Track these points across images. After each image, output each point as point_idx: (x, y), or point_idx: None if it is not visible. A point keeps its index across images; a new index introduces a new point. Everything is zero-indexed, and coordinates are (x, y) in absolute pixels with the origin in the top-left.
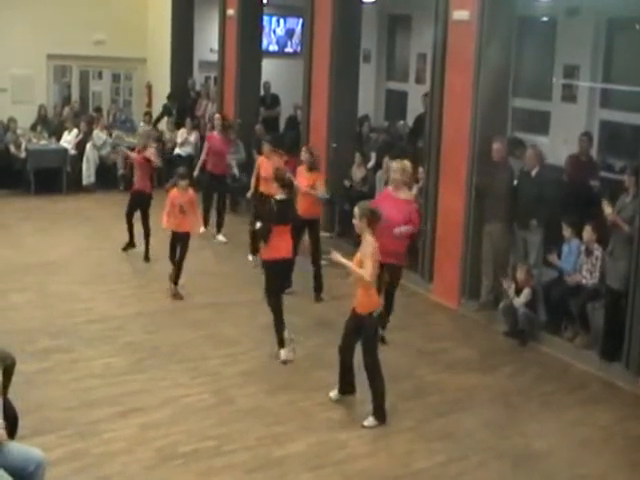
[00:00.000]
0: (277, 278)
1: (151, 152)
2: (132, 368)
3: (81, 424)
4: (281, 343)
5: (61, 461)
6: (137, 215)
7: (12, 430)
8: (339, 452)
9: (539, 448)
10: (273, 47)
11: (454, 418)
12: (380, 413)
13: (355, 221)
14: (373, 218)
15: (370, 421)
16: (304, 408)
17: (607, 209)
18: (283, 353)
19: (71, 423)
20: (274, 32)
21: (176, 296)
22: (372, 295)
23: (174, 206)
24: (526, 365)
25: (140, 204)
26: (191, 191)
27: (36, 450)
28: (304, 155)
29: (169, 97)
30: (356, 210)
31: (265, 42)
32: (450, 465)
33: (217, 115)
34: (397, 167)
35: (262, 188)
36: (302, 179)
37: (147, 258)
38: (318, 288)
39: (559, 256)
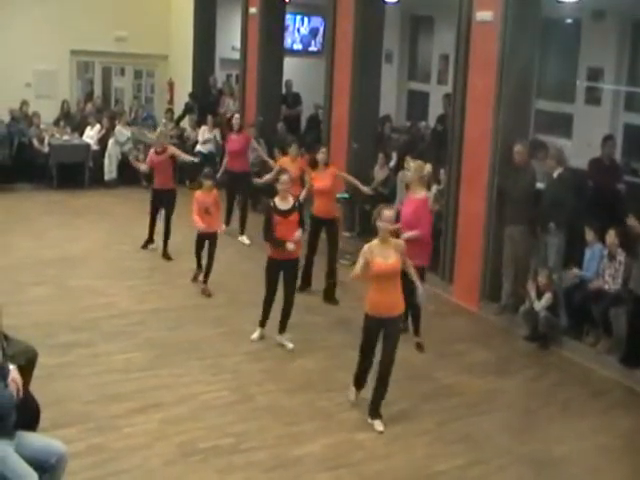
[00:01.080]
0: (276, 277)
1: (174, 150)
2: (152, 364)
3: (101, 418)
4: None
5: (81, 454)
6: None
7: (34, 422)
8: (357, 453)
9: (559, 454)
10: (297, 46)
11: (473, 421)
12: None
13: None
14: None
15: (377, 424)
16: (322, 408)
17: (631, 220)
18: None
19: (91, 417)
20: (298, 31)
21: (204, 292)
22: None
23: (200, 207)
24: (546, 370)
25: (163, 202)
26: (215, 191)
27: (57, 442)
28: (321, 155)
29: (191, 95)
30: (387, 212)
31: (289, 41)
32: (468, 468)
33: (237, 115)
34: (411, 166)
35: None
36: (319, 179)
37: (166, 256)
38: (331, 287)
39: (580, 264)
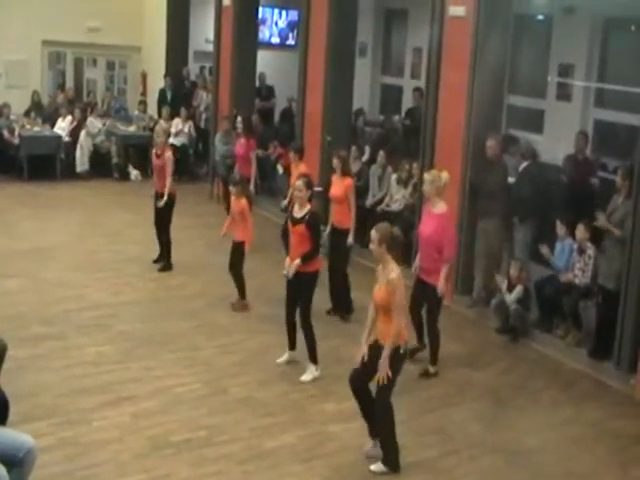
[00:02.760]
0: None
1: (169, 157)
2: (124, 357)
3: (72, 412)
4: (315, 359)
5: (51, 448)
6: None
7: (3, 416)
8: (330, 444)
9: (530, 444)
10: (275, 39)
11: (445, 413)
12: (389, 460)
13: (373, 246)
14: (394, 243)
15: (378, 466)
16: (296, 400)
17: (600, 219)
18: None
19: (62, 410)
20: (276, 24)
21: (244, 308)
22: (399, 325)
23: (231, 213)
24: (517, 362)
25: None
26: (243, 200)
27: (26, 436)
28: (335, 162)
29: (166, 76)
30: (372, 233)
31: (267, 34)
32: (441, 459)
33: (239, 118)
34: (426, 178)
35: None
36: (335, 186)
37: (163, 268)
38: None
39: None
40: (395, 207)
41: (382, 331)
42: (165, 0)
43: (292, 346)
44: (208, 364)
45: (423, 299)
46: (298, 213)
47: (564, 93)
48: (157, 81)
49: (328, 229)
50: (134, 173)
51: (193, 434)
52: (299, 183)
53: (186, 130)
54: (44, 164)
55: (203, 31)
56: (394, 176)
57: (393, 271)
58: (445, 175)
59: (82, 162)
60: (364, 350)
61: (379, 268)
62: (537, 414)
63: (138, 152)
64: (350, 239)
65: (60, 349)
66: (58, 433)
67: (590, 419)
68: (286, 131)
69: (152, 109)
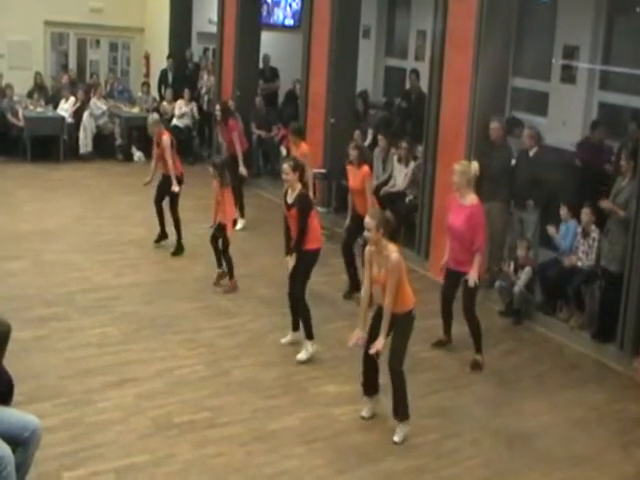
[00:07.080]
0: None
1: (164, 141)
2: (128, 338)
3: (76, 393)
4: (310, 335)
5: (55, 429)
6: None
7: (7, 397)
8: (332, 426)
9: (532, 427)
10: (289, 21)
11: (449, 395)
12: (404, 417)
13: (370, 233)
14: (389, 227)
15: (399, 434)
16: (298, 382)
17: (604, 203)
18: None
19: (66, 391)
20: (290, 6)
21: (220, 277)
22: (406, 292)
23: (215, 198)
24: (521, 344)
25: (164, 188)
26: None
27: (31, 416)
28: (352, 152)
29: (169, 57)
30: (368, 221)
31: (281, 16)
32: (443, 442)
33: (217, 106)
34: (456, 169)
35: None
36: (351, 177)
37: (176, 251)
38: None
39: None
40: (398, 187)
41: (395, 303)
42: None
43: (296, 327)
44: (211, 346)
45: (456, 290)
46: (290, 197)
47: (569, 75)
48: (160, 62)
49: (347, 221)
50: (137, 154)
51: (196, 415)
52: (285, 166)
53: (189, 111)
54: (47, 145)
55: (206, 12)
56: (396, 156)
57: (393, 252)
58: (475, 165)
59: (85, 144)
60: (359, 333)
61: (372, 249)
62: (540, 397)
63: (141, 134)
64: None
65: (63, 330)
66: (62, 414)
67: (593, 402)
68: (290, 113)
69: (155, 90)
